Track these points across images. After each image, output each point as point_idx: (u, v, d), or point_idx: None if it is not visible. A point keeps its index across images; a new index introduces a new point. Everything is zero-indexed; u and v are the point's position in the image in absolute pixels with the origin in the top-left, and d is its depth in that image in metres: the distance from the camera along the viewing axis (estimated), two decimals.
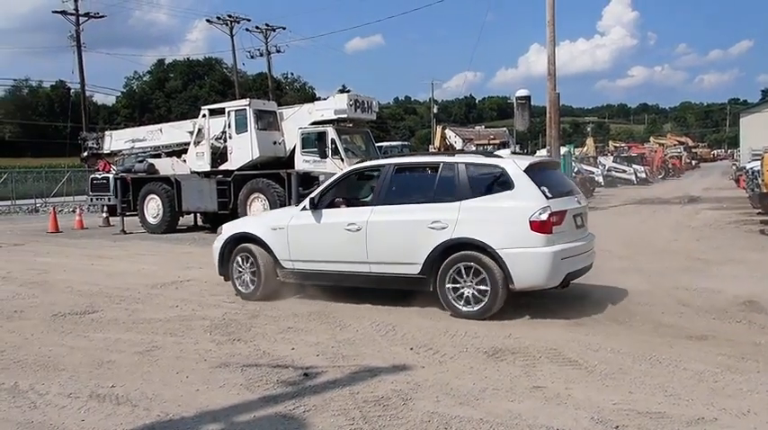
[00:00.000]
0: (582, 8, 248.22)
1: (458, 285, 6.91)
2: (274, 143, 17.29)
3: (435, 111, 72.38)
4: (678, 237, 13.85)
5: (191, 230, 19.00)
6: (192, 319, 7.27)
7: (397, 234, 7.27)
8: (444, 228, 6.91)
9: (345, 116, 16.57)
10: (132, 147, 20.61)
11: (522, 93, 22.75)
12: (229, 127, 17.17)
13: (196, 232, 18.49)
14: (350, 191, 8.50)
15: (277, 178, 16.28)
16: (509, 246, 6.67)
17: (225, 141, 17.35)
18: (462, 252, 6.88)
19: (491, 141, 39.19)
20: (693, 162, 65.14)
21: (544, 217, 6.61)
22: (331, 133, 16.14)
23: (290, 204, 15.41)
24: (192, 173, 18.03)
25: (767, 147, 23.77)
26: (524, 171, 6.91)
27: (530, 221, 6.62)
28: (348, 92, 19.57)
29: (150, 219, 18.57)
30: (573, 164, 27.84)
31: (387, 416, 4.34)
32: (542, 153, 29.18)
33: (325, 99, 18.83)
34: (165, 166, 19.03)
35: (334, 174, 15.39)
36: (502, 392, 4.73)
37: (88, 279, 10.18)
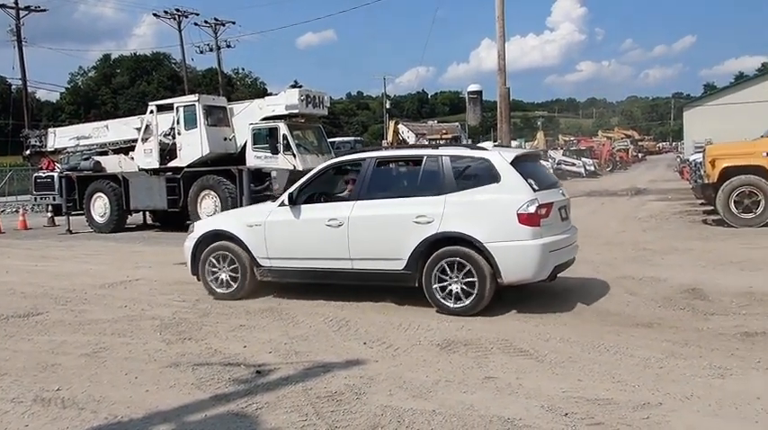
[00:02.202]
0: (532, 4, 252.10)
1: (444, 281, 6.76)
2: (225, 139, 17.09)
3: (388, 106, 72.38)
4: (625, 228, 14.19)
5: (140, 229, 18.64)
6: (141, 319, 7.12)
7: (381, 229, 7.08)
8: (430, 222, 6.76)
9: (297, 111, 16.51)
10: (77, 145, 20.03)
11: (473, 88, 22.95)
12: (178, 123, 16.89)
13: (145, 231, 18.16)
14: (329, 186, 8.20)
15: (228, 175, 16.08)
16: (497, 240, 6.55)
17: (174, 138, 17.05)
18: (449, 247, 6.74)
19: (443, 136, 39.47)
20: (640, 155, 66.95)
21: (532, 209, 6.52)
22: (282, 129, 16.05)
23: (241, 201, 15.29)
24: (140, 170, 17.67)
25: (709, 140, 24.58)
26: (510, 163, 6.79)
27: (518, 214, 6.51)
28: (300, 87, 19.43)
29: (97, 218, 18.14)
30: None
31: (340, 411, 4.33)
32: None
33: (276, 94, 18.67)
34: (111, 164, 18.61)
35: (286, 170, 15.50)
36: (454, 384, 4.77)
37: (32, 280, 9.87)
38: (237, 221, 8.07)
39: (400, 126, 37.09)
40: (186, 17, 44.51)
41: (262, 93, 65.77)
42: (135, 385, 4.99)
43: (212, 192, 16.15)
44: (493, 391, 4.60)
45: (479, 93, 22.80)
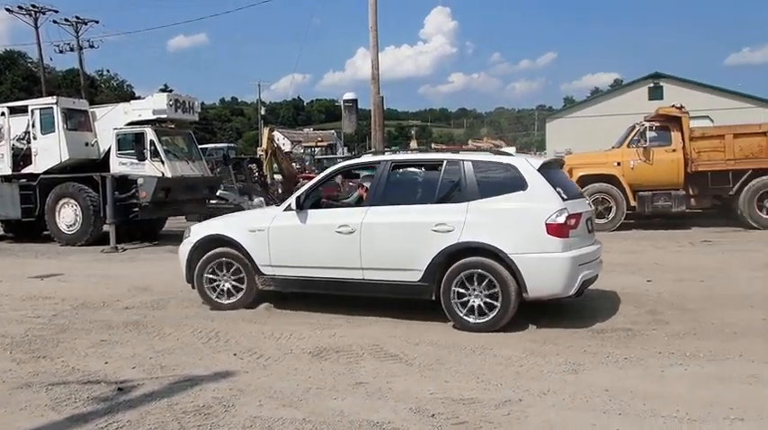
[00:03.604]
0: (406, 16, 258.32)
1: (464, 296, 6.38)
2: (86, 144, 16.17)
3: (263, 112, 71.79)
4: None
5: None
6: None
7: (396, 237, 6.66)
8: (450, 231, 6.36)
9: (165, 116, 15.92)
10: None
11: (349, 96, 23.22)
12: (33, 127, 15.82)
13: None
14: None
15: (90, 182, 15.23)
16: (523, 251, 6.16)
17: (28, 142, 15.94)
18: (471, 258, 6.34)
19: (319, 143, 39.57)
20: None
21: (561, 219, 6.16)
22: (150, 134, 15.42)
23: (104, 210, 14.58)
24: None
25: (568, 150, 26.24)
26: (538, 170, 6.47)
27: (546, 224, 6.14)
28: (170, 91, 18.76)
29: None
30: None
31: (207, 425, 4.21)
32: None
33: (144, 98, 17.91)
34: None
35: (153, 177, 14.92)
36: (325, 391, 4.78)
37: None
38: (238, 226, 7.53)
39: (275, 133, 36.58)
40: (44, 14, 41.51)
41: (129, 96, 62.85)
42: None
43: (72, 201, 15.23)
44: (363, 396, 4.66)
45: (355, 101, 23.11)
